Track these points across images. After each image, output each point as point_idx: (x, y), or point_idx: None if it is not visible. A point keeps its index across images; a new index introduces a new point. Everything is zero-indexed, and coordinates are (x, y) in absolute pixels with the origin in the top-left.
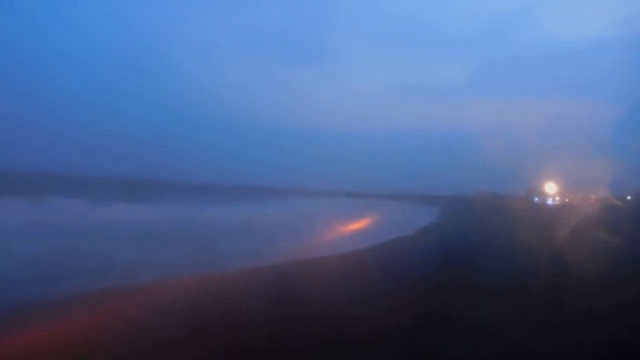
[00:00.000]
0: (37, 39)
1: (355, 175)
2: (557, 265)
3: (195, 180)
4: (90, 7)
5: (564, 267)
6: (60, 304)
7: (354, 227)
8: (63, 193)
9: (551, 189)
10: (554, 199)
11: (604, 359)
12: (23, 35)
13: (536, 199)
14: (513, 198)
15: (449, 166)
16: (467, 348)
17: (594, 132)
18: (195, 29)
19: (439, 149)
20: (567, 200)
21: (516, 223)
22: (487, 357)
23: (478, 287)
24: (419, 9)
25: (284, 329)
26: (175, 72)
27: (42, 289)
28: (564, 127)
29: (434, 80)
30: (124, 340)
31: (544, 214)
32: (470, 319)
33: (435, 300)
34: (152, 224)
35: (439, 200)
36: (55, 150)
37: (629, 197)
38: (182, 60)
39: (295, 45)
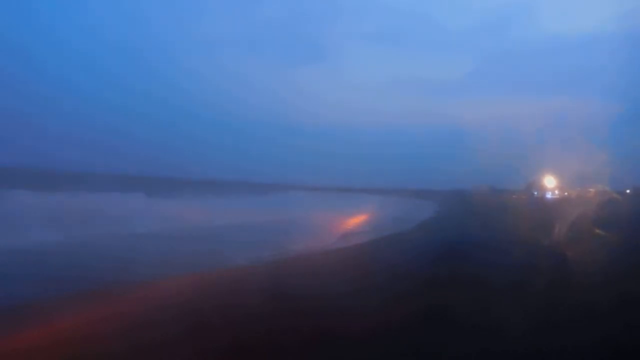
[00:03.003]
0: (41, 37)
1: (355, 170)
2: (554, 262)
3: (197, 176)
4: (96, 4)
5: (560, 264)
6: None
7: (353, 223)
8: (66, 188)
9: (550, 183)
10: (552, 193)
11: (602, 357)
12: (29, 32)
13: (535, 193)
14: (512, 192)
15: (449, 161)
16: (462, 343)
17: (593, 126)
18: (200, 26)
19: (438, 143)
20: (565, 194)
21: (514, 218)
22: (485, 353)
23: (475, 282)
24: (419, 4)
25: (282, 323)
26: (181, 69)
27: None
28: (563, 122)
29: (433, 75)
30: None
31: (542, 208)
32: (467, 315)
33: (432, 295)
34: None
35: (438, 195)
36: (57, 147)
37: (628, 191)
38: (187, 58)
39: (297, 43)
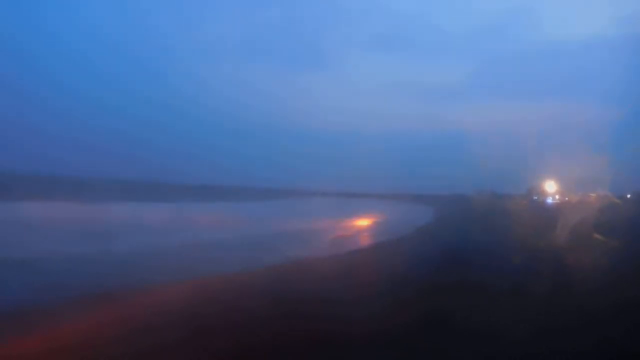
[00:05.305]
0: (41, 41)
1: (357, 175)
2: (553, 268)
3: (200, 181)
4: (98, 7)
5: (560, 270)
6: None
7: (354, 228)
8: (72, 194)
9: (551, 188)
10: (553, 198)
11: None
12: (31, 35)
13: (535, 198)
14: (513, 197)
15: (450, 165)
16: (464, 348)
17: (593, 130)
18: (204, 32)
19: (440, 148)
20: (566, 199)
21: (514, 223)
22: (486, 358)
23: (475, 288)
24: (420, 8)
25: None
26: (187, 74)
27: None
28: (563, 126)
29: (434, 79)
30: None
31: (543, 213)
32: (468, 320)
33: (433, 301)
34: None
35: (439, 200)
36: (57, 151)
37: (628, 196)
38: (193, 63)
39: (299, 48)
